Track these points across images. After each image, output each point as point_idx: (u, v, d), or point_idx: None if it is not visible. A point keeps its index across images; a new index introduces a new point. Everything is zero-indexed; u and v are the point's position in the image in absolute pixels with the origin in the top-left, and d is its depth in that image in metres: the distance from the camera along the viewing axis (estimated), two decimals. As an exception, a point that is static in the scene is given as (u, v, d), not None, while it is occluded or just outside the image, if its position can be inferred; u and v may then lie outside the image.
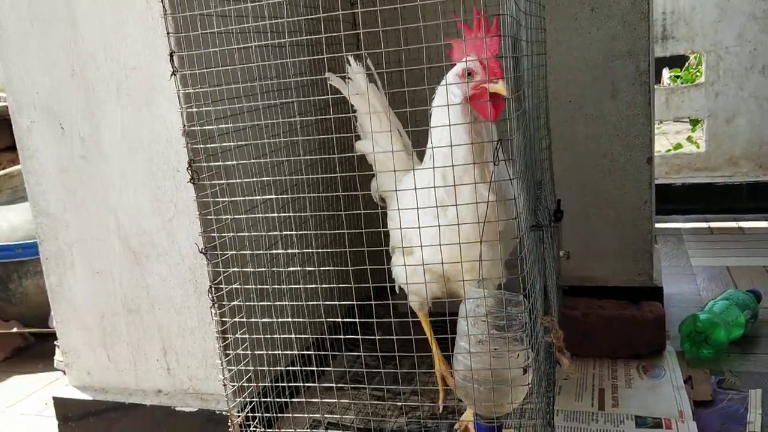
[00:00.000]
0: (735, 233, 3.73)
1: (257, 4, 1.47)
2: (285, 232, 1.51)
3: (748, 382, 2.05)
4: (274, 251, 1.50)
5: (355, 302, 1.47)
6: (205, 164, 1.44)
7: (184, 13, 1.41)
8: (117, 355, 1.94)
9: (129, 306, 1.88)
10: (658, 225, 3.94)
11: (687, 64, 4.69)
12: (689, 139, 4.81)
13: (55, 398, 2.01)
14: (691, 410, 1.91)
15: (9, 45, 1.83)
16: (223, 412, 1.69)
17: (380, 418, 1.88)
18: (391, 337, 1.41)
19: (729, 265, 3.17)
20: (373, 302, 1.61)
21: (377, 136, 1.72)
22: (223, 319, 1.44)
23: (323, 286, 1.46)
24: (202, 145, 1.42)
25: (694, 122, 4.51)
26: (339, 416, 1.87)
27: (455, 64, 1.46)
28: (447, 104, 1.36)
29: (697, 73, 4.50)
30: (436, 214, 1.39)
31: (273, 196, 1.63)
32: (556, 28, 2.29)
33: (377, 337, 1.41)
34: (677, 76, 4.71)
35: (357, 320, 1.42)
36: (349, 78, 1.75)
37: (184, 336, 1.85)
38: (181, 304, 1.83)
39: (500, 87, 1.34)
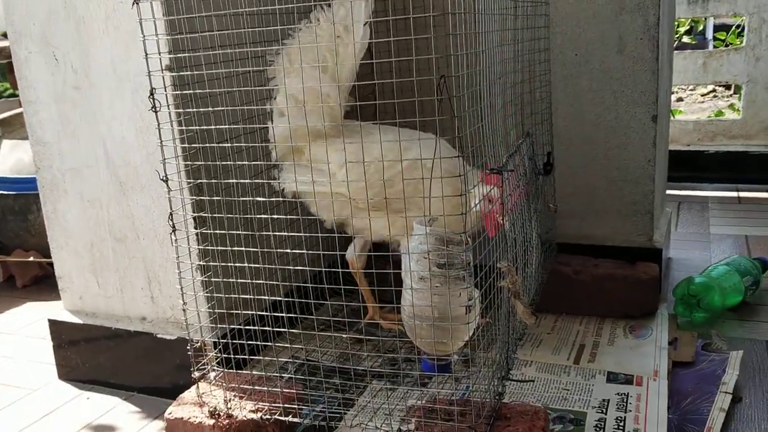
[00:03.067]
0: (764, 203, 3.60)
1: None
2: (244, 162, 1.53)
3: (735, 347, 2.00)
4: (228, 180, 1.53)
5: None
6: (170, 93, 1.47)
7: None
8: (105, 282, 2.02)
9: (116, 235, 1.95)
10: (684, 192, 3.84)
11: (733, 27, 4.51)
12: (731, 106, 4.65)
13: (50, 320, 2.11)
14: (667, 370, 1.88)
15: (9, -24, 1.89)
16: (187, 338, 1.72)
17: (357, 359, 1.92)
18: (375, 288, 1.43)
19: (749, 234, 3.08)
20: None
21: None
22: (180, 246, 1.48)
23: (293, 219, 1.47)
24: (165, 74, 1.45)
25: (739, 89, 4.34)
26: (319, 351, 1.91)
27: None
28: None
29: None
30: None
31: (239, 126, 1.65)
32: (562, -23, 2.24)
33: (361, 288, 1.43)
34: (721, 40, 4.52)
35: (340, 270, 1.45)
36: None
37: (166, 267, 1.91)
38: (164, 235, 1.88)
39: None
